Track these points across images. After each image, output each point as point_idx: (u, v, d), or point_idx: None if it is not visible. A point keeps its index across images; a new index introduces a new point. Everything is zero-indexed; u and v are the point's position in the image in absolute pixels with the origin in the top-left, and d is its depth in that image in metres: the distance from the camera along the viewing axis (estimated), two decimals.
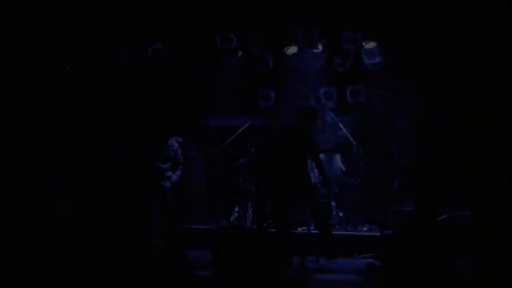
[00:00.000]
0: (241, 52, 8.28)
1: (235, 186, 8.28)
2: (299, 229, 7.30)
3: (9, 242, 5.91)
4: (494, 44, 5.26)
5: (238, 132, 8.36)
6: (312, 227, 6.94)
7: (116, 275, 4.66)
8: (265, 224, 6.65)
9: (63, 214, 6.87)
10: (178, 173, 7.58)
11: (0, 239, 5.93)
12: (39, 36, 7.08)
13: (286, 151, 6.31)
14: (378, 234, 5.83)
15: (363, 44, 7.58)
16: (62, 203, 7.03)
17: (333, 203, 7.88)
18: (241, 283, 5.05)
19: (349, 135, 8.37)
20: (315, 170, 7.05)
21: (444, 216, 6.88)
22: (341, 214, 8.17)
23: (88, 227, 6.85)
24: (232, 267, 5.16)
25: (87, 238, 6.56)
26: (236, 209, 8.14)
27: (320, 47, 7.92)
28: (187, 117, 9.61)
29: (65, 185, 7.24)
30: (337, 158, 8.16)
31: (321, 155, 6.61)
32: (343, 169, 8.25)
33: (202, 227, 8.18)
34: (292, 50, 8.07)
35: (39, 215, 6.65)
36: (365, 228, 7.88)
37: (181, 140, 8.26)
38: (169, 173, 7.68)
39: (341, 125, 8.56)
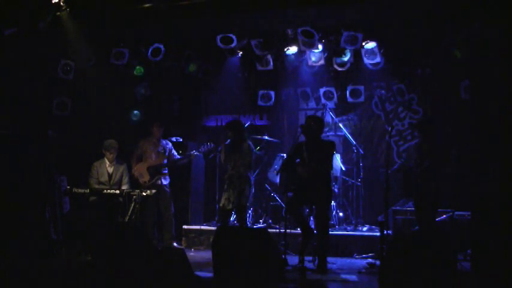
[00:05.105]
0: (241, 52, 8.27)
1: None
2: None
3: None
4: (493, 42, 5.26)
5: None
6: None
7: (118, 276, 4.66)
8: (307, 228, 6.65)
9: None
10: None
11: None
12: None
13: (312, 159, 6.38)
14: (378, 234, 5.81)
15: (363, 44, 7.57)
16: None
17: (333, 203, 7.88)
18: (241, 283, 5.05)
19: (349, 135, 8.38)
20: None
21: (444, 216, 6.90)
22: (341, 214, 8.18)
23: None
24: (232, 267, 5.16)
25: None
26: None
27: (320, 47, 7.91)
28: (187, 118, 9.63)
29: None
30: (337, 158, 8.15)
31: None
32: (343, 169, 8.25)
33: (202, 227, 8.19)
34: (292, 50, 8.06)
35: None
36: (365, 228, 7.88)
37: (181, 140, 8.29)
38: (166, 170, 7.71)
39: (341, 125, 8.57)
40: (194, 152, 7.68)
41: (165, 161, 7.69)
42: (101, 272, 4.71)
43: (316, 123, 6.49)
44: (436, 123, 7.04)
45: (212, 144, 7.48)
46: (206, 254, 6.99)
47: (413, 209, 6.84)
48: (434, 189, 6.30)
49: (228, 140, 6.87)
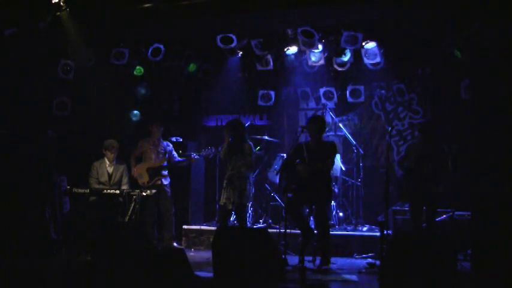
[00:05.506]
0: (241, 52, 8.27)
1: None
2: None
3: None
4: (493, 42, 5.26)
5: None
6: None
7: (118, 276, 4.66)
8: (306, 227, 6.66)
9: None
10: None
11: None
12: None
13: (312, 159, 6.39)
14: (378, 234, 5.81)
15: (363, 44, 7.57)
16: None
17: (333, 203, 7.88)
18: (241, 283, 5.05)
19: (349, 135, 8.38)
20: None
21: (444, 216, 6.89)
22: (341, 214, 8.18)
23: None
24: (232, 267, 5.16)
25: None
26: None
27: (320, 47, 7.91)
28: (187, 118, 9.62)
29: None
30: (337, 158, 8.15)
31: None
32: (343, 169, 8.24)
33: (202, 227, 8.19)
34: (292, 50, 8.06)
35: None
36: (365, 228, 7.88)
37: (181, 140, 8.29)
38: (165, 172, 7.71)
39: (341, 125, 8.57)
40: (195, 156, 7.68)
41: (165, 163, 7.68)
42: (101, 272, 4.71)
43: (316, 124, 6.49)
44: (436, 123, 7.03)
45: (213, 149, 7.48)
46: (206, 254, 6.99)
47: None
48: (435, 192, 6.30)
49: (231, 139, 6.85)
